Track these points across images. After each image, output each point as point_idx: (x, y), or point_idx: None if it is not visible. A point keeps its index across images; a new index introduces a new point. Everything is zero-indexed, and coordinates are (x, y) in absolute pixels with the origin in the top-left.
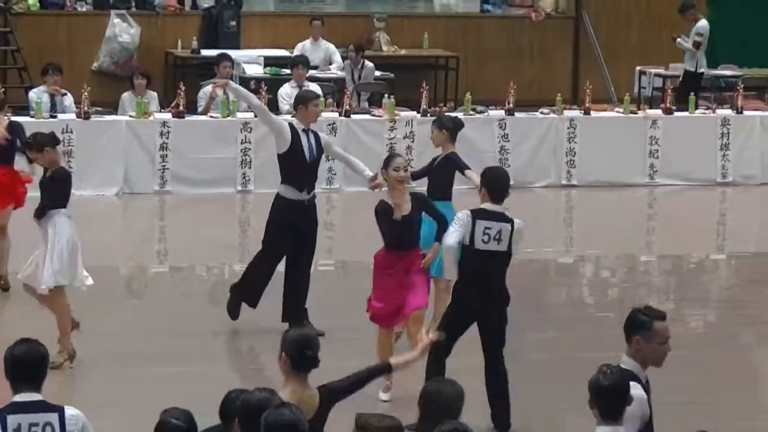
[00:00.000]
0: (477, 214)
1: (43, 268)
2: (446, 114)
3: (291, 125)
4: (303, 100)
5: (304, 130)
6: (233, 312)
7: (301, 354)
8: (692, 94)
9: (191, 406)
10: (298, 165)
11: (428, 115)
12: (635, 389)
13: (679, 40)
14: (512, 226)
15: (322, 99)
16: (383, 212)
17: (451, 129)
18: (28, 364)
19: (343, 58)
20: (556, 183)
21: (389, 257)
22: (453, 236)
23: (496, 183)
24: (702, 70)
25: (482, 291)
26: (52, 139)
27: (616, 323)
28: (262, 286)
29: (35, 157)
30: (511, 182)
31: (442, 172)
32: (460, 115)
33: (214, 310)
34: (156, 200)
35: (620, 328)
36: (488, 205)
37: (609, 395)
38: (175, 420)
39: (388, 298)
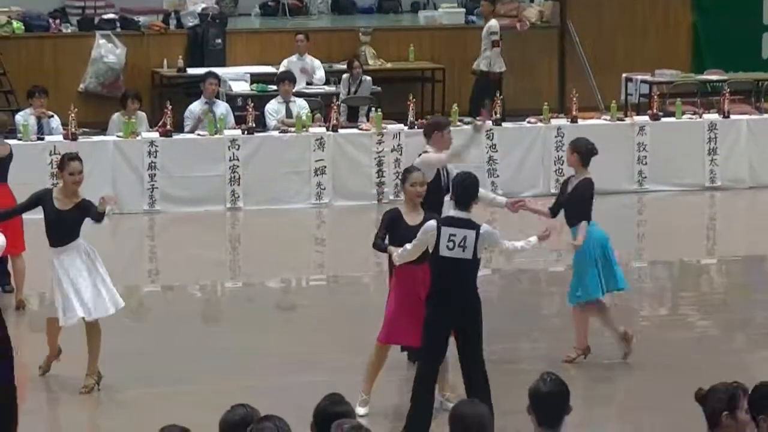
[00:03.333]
0: (443, 222)
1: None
2: (583, 138)
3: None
4: (439, 127)
5: None
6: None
7: None
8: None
9: (191, 425)
10: (440, 193)
11: (415, 127)
12: None
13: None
14: (477, 233)
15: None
16: (393, 219)
17: (582, 152)
18: None
19: (332, 73)
20: (544, 192)
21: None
22: (408, 250)
23: (461, 190)
24: (496, 69)
25: (453, 298)
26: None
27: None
28: None
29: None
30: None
31: (578, 194)
32: None
33: (207, 329)
34: (146, 220)
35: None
36: (454, 212)
37: (547, 402)
38: None
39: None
